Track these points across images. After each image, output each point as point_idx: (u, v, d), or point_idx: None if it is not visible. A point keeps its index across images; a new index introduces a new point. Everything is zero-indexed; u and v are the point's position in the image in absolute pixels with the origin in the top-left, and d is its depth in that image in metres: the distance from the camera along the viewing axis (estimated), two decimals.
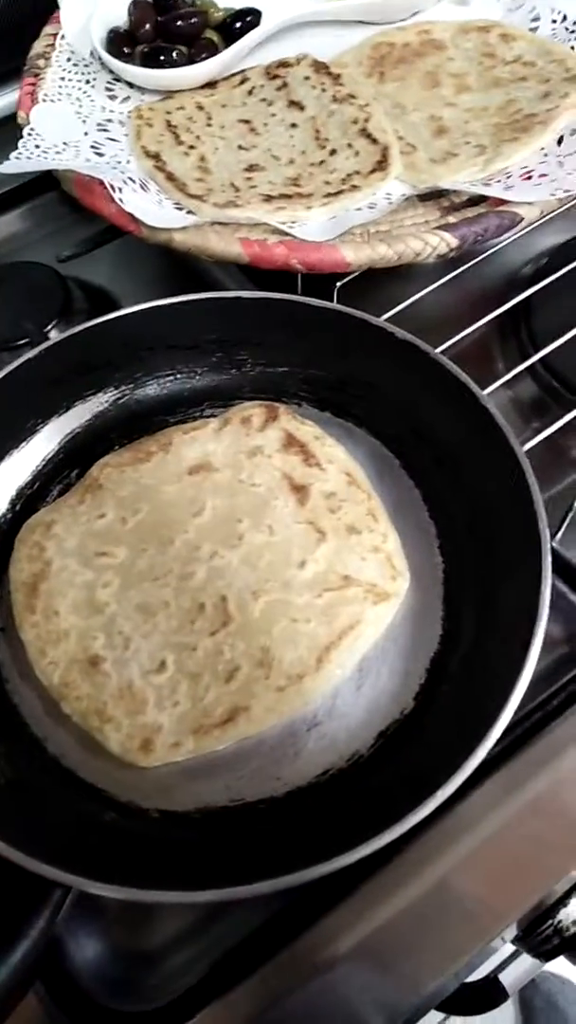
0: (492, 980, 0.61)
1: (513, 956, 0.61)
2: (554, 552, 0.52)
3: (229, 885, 0.36)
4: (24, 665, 0.47)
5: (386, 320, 0.56)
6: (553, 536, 0.53)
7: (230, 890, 0.36)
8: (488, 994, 0.61)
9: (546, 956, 0.54)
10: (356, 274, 0.62)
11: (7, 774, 0.42)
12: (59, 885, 0.36)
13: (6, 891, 0.36)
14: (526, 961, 0.60)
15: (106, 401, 0.58)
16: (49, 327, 0.66)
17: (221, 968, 0.44)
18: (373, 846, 0.36)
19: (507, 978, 0.61)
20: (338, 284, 0.64)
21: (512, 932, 0.54)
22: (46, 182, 0.78)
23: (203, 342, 0.58)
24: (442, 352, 0.53)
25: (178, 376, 0.59)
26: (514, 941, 0.54)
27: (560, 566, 0.52)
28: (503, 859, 0.47)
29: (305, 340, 0.57)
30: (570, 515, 0.54)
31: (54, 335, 0.65)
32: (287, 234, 0.59)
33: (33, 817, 0.40)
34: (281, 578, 0.48)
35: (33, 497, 0.54)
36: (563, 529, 0.53)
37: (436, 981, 0.44)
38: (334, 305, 0.55)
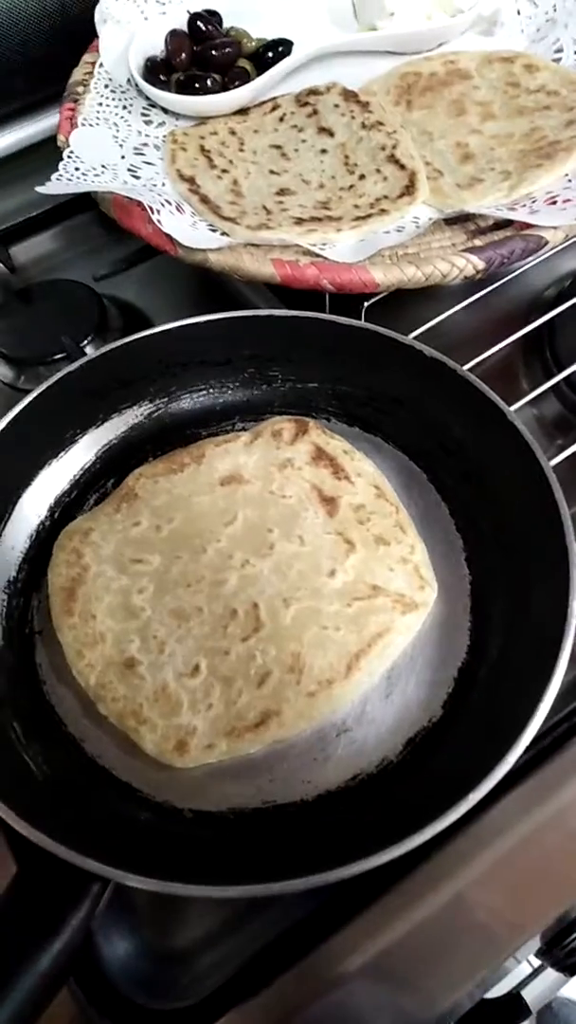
0: (515, 996, 0.61)
1: (536, 972, 0.61)
2: None
3: (258, 882, 0.37)
4: (62, 667, 0.48)
5: (413, 339, 0.58)
6: None
7: (261, 886, 0.36)
8: (510, 1011, 0.61)
9: (571, 971, 0.54)
10: (383, 295, 0.64)
11: (46, 772, 0.43)
12: (98, 878, 0.37)
13: (47, 884, 0.37)
14: (549, 976, 0.60)
15: (141, 414, 0.60)
16: (85, 342, 0.68)
17: (247, 971, 0.45)
18: (401, 850, 0.37)
19: (530, 994, 0.61)
20: (365, 304, 0.66)
21: (535, 946, 0.55)
22: (81, 203, 0.81)
23: (236, 358, 0.60)
24: (468, 371, 0.55)
25: (211, 391, 0.61)
26: (537, 955, 0.55)
27: None
28: (525, 872, 0.47)
29: (335, 357, 0.58)
30: None
31: (90, 350, 0.67)
32: (318, 255, 0.61)
33: (72, 813, 0.42)
34: (311, 586, 0.50)
35: (71, 505, 0.56)
36: None
37: (456, 994, 0.45)
38: (364, 324, 0.57)
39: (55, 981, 0.35)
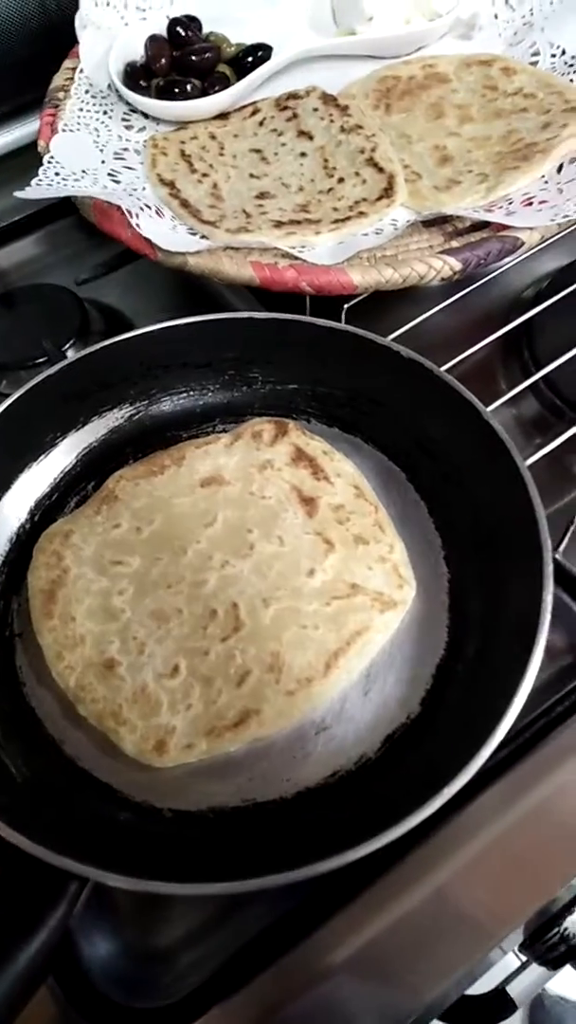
0: (500, 992, 0.61)
1: (521, 967, 0.61)
2: (557, 563, 0.53)
3: (238, 879, 0.37)
4: (41, 669, 0.48)
5: (392, 340, 0.58)
6: (556, 548, 0.54)
7: (240, 883, 0.37)
8: (496, 1006, 0.61)
9: (553, 964, 0.55)
10: (363, 296, 0.64)
11: (25, 773, 0.44)
12: (76, 878, 0.37)
13: (25, 884, 0.37)
14: (534, 972, 0.60)
15: (122, 416, 0.60)
16: (67, 346, 0.68)
17: (229, 968, 0.45)
18: (379, 843, 0.37)
19: (515, 990, 0.61)
20: (346, 306, 0.66)
21: (518, 939, 0.55)
22: (63, 208, 0.81)
23: (216, 360, 0.60)
24: (446, 371, 0.55)
25: (191, 393, 0.61)
26: (520, 949, 0.55)
27: (563, 577, 0.54)
28: (506, 866, 0.48)
29: (314, 359, 0.59)
30: (572, 528, 0.55)
31: (71, 354, 0.67)
32: (297, 258, 0.62)
33: (51, 814, 0.42)
34: (290, 586, 0.50)
35: (51, 508, 0.56)
36: (566, 541, 0.55)
37: (439, 988, 0.45)
38: (343, 325, 0.57)
39: (32, 981, 0.36)
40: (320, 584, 0.50)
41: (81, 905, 0.38)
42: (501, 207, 0.64)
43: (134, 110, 0.78)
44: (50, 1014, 0.42)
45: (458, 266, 0.59)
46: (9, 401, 0.54)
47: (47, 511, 0.56)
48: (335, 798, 0.44)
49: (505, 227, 0.61)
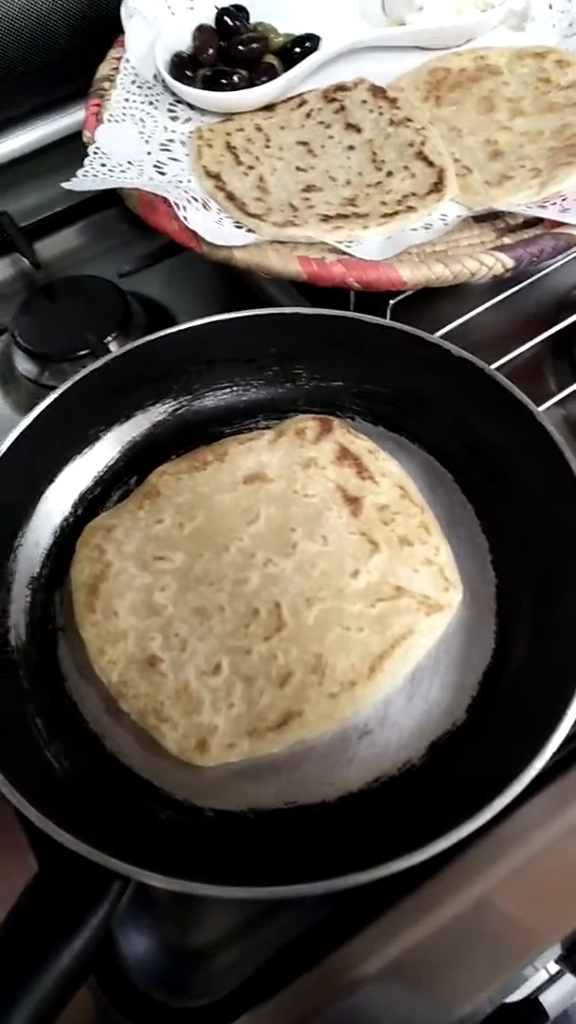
0: (533, 1001, 0.61)
1: (555, 977, 0.60)
2: None
3: (280, 884, 0.36)
4: (83, 663, 0.48)
5: (439, 338, 0.57)
6: None
7: (280, 888, 0.36)
8: (528, 1016, 0.61)
9: None
10: (409, 293, 0.63)
11: (68, 769, 0.44)
12: (118, 877, 0.37)
13: (68, 882, 0.37)
14: (569, 982, 0.59)
15: (165, 411, 0.60)
16: (109, 339, 0.68)
17: (266, 971, 0.45)
18: (422, 856, 0.37)
19: (548, 1000, 0.60)
20: (391, 302, 0.65)
21: (556, 952, 0.54)
22: (106, 199, 0.81)
23: (260, 356, 0.60)
24: (495, 370, 0.54)
25: (235, 388, 0.61)
26: (558, 961, 0.54)
27: None
28: (546, 879, 0.47)
29: (360, 355, 0.58)
30: None
31: (114, 347, 0.67)
32: (344, 253, 0.61)
33: (93, 810, 0.42)
34: (334, 587, 0.49)
35: (94, 502, 0.56)
36: None
37: (474, 1001, 0.44)
38: (390, 322, 0.57)
39: (75, 979, 0.35)
40: (364, 585, 0.49)
41: (124, 903, 0.38)
42: (555, 203, 0.62)
43: (180, 101, 0.77)
44: (90, 1010, 0.42)
45: (510, 263, 0.58)
46: (56, 395, 0.54)
47: (90, 505, 0.56)
48: (379, 804, 0.43)
49: (559, 224, 0.59)
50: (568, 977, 0.57)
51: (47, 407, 0.53)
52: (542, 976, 0.60)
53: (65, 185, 0.66)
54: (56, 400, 0.54)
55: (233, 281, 0.76)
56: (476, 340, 0.63)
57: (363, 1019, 0.44)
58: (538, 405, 0.55)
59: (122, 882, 0.37)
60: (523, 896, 0.46)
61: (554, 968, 0.57)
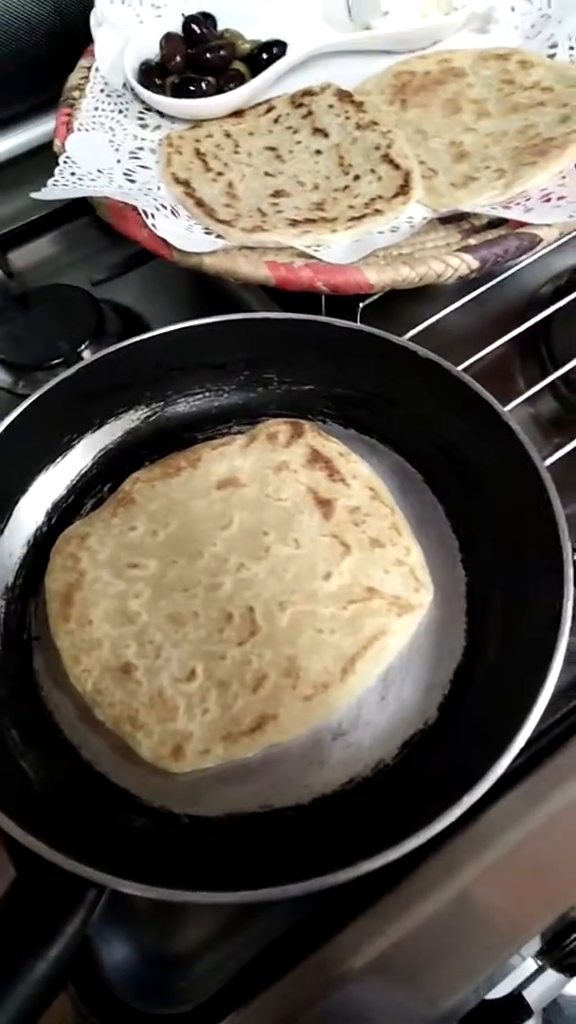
0: (516, 997, 0.61)
1: (538, 972, 0.61)
2: None
3: (255, 888, 0.37)
4: (58, 672, 0.48)
5: (408, 340, 0.57)
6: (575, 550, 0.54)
7: (257, 892, 0.37)
8: (512, 1011, 0.61)
9: (571, 971, 0.54)
10: (379, 295, 0.64)
11: (43, 778, 0.44)
12: (94, 885, 0.37)
13: (44, 890, 0.37)
14: (551, 977, 0.60)
15: (137, 418, 0.60)
16: (83, 347, 0.68)
17: (246, 974, 0.45)
18: (398, 852, 0.37)
19: (531, 995, 0.61)
20: (361, 305, 0.66)
21: (536, 946, 0.55)
22: (79, 208, 0.81)
23: (231, 361, 0.60)
24: (463, 370, 0.55)
25: (207, 394, 0.61)
26: (538, 955, 0.55)
27: None
28: (524, 872, 0.47)
29: (330, 359, 0.58)
30: None
31: (87, 355, 0.67)
32: (312, 257, 0.61)
33: (68, 819, 0.42)
34: (307, 589, 0.50)
35: (68, 510, 0.56)
36: None
37: (457, 996, 0.45)
38: (358, 325, 0.57)
39: (51, 987, 0.36)
40: (336, 587, 0.50)
41: (100, 912, 0.38)
42: (519, 203, 0.63)
43: (149, 109, 0.77)
44: (68, 1018, 0.42)
45: (476, 264, 0.58)
46: (26, 403, 0.54)
47: (64, 513, 0.56)
48: (353, 805, 0.43)
49: (523, 224, 0.60)
50: (550, 972, 0.57)
51: (18, 416, 0.53)
52: (525, 972, 0.60)
53: (34, 195, 0.66)
54: (27, 409, 0.54)
55: (207, 287, 0.76)
56: (446, 340, 0.64)
57: (348, 1017, 0.44)
58: (506, 404, 0.55)
59: (97, 890, 0.37)
60: (501, 891, 0.47)
61: (537, 963, 0.57)
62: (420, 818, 0.38)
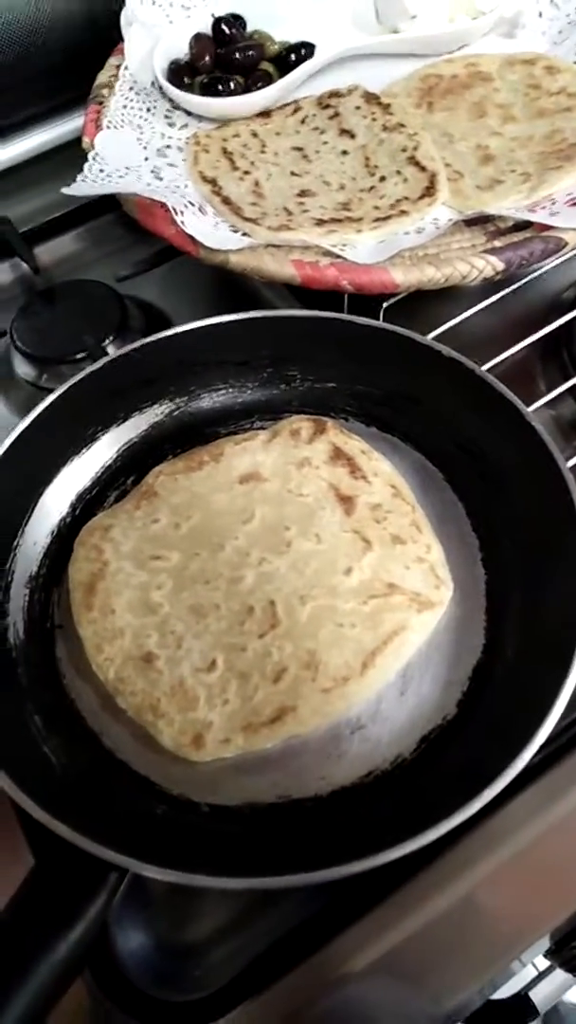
0: (522, 997, 0.61)
1: (544, 973, 0.61)
2: None
3: (273, 875, 0.37)
4: (81, 661, 0.49)
5: (431, 339, 0.58)
6: None
7: (273, 879, 0.37)
8: (518, 1012, 0.61)
9: None
10: (402, 295, 0.64)
11: (65, 765, 0.44)
12: (115, 868, 0.38)
13: (65, 875, 0.38)
14: (558, 977, 0.60)
15: (162, 413, 0.60)
16: (107, 342, 0.69)
17: (258, 966, 0.45)
18: (413, 846, 0.37)
19: (538, 995, 0.61)
20: (384, 305, 0.66)
21: (544, 946, 0.55)
22: (104, 204, 0.82)
23: (255, 358, 0.61)
24: (485, 372, 0.55)
25: (230, 390, 0.62)
26: (546, 955, 0.55)
27: None
28: (535, 873, 0.47)
29: (353, 357, 0.59)
30: None
31: (111, 350, 0.68)
32: (338, 256, 0.62)
33: (90, 805, 0.42)
34: (328, 584, 0.50)
35: (92, 502, 0.57)
36: None
37: (464, 994, 0.45)
38: (383, 324, 0.57)
39: (71, 970, 0.36)
40: (357, 583, 0.50)
41: (120, 896, 0.38)
42: (544, 207, 0.63)
43: (177, 107, 0.78)
44: (84, 1003, 0.43)
45: (501, 266, 0.59)
46: (53, 396, 0.54)
47: (88, 505, 0.56)
48: (370, 798, 0.44)
49: (548, 227, 0.60)
50: (557, 972, 0.58)
51: (45, 409, 0.54)
52: (531, 972, 0.60)
53: (64, 190, 0.67)
54: (54, 402, 0.54)
55: (229, 285, 0.77)
56: (468, 342, 0.64)
57: (356, 1011, 0.44)
58: (528, 406, 0.56)
59: (119, 874, 0.38)
60: (512, 890, 0.47)
61: (543, 964, 0.57)
62: (438, 812, 0.38)
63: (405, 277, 0.58)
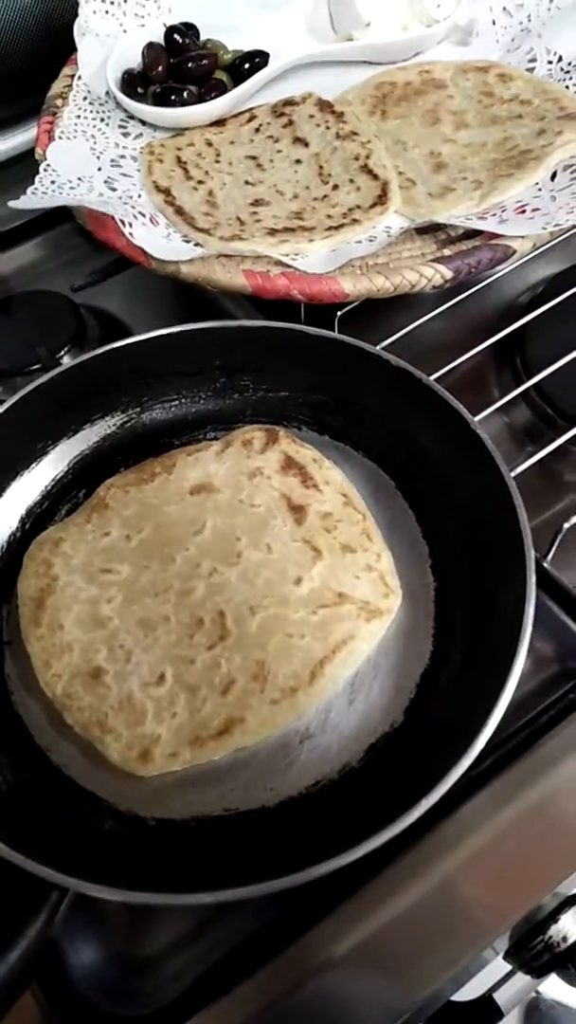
0: (487, 999, 0.62)
1: (508, 975, 0.61)
2: (544, 572, 0.53)
3: (218, 889, 0.37)
4: (29, 677, 0.49)
5: (385, 347, 0.58)
6: (544, 557, 0.54)
7: (221, 892, 0.37)
8: (483, 1013, 0.62)
9: (538, 972, 0.55)
10: (357, 303, 0.64)
11: (11, 782, 0.44)
12: (56, 887, 0.38)
13: (5, 893, 0.38)
14: (521, 980, 0.60)
15: (114, 424, 0.60)
16: (62, 353, 0.69)
17: (214, 974, 0.45)
18: (359, 853, 0.37)
19: (502, 997, 0.61)
20: (339, 313, 0.67)
21: (504, 946, 0.55)
22: (61, 214, 0.81)
23: (207, 368, 0.61)
24: (439, 378, 0.56)
25: (183, 400, 0.62)
26: (506, 956, 0.55)
27: (550, 586, 0.54)
28: (494, 870, 0.48)
29: (305, 367, 0.59)
30: (560, 536, 0.55)
31: (67, 361, 0.68)
32: (289, 266, 0.62)
33: (35, 823, 0.42)
34: (278, 594, 0.50)
35: (42, 516, 0.56)
36: (553, 550, 0.55)
37: (427, 991, 0.45)
38: (332, 334, 0.58)
39: (11, 990, 0.36)
40: (307, 592, 0.50)
41: (62, 914, 0.38)
42: (494, 214, 0.64)
43: (131, 117, 0.78)
44: (33, 1020, 0.43)
45: (449, 275, 0.59)
46: (1, 409, 0.54)
47: (38, 519, 0.56)
48: (317, 808, 0.44)
49: (497, 235, 0.61)
50: (519, 975, 0.58)
51: None
52: (497, 973, 0.61)
53: (12, 204, 0.67)
54: (2, 415, 0.54)
55: (189, 294, 0.77)
56: (424, 348, 0.65)
57: (314, 1018, 0.44)
58: (480, 412, 0.56)
59: (59, 892, 0.38)
60: (471, 887, 0.47)
61: (505, 967, 0.58)
62: (380, 821, 0.38)
63: (355, 286, 0.59)
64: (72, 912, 0.39)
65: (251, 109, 0.79)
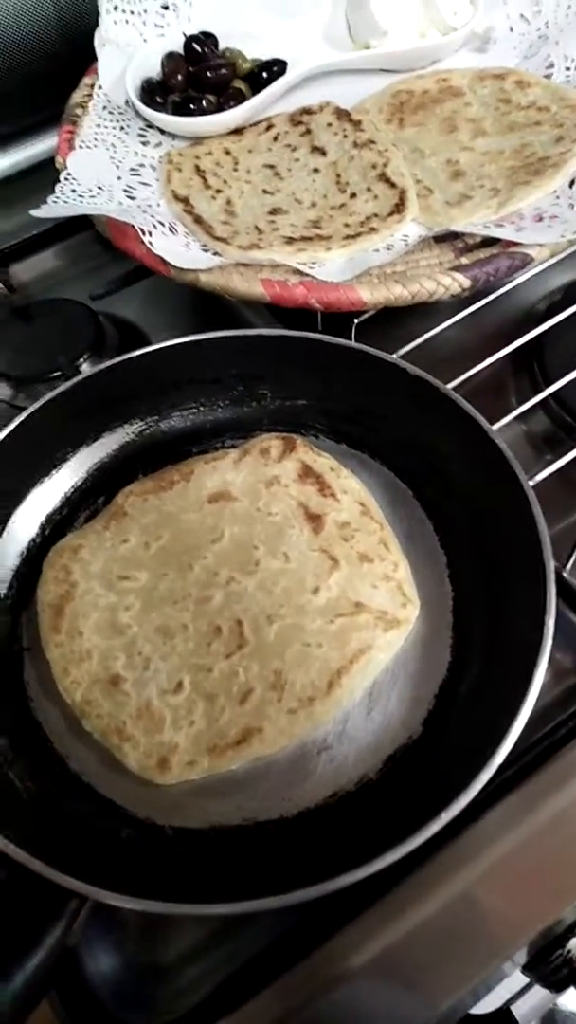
0: (504, 1012, 0.61)
1: (526, 988, 0.61)
2: (564, 582, 0.53)
3: (236, 900, 0.37)
4: (48, 684, 0.49)
5: (402, 356, 0.58)
6: (564, 566, 0.54)
7: (239, 904, 0.37)
8: None
9: (556, 987, 0.54)
10: (374, 312, 0.64)
11: (31, 789, 0.44)
12: (75, 895, 0.38)
13: (25, 901, 0.38)
14: (538, 993, 0.60)
15: (132, 432, 0.61)
16: (81, 361, 0.69)
17: (232, 984, 0.45)
18: (377, 866, 0.37)
19: (519, 1010, 0.61)
20: (356, 321, 0.67)
21: (523, 959, 0.55)
22: (81, 222, 0.81)
23: (225, 377, 0.61)
24: (457, 386, 0.55)
25: (201, 409, 0.62)
26: (524, 970, 0.54)
27: (570, 596, 0.53)
28: (513, 882, 0.47)
29: (322, 375, 0.59)
30: None
31: (86, 369, 0.68)
32: (307, 275, 0.62)
33: (53, 830, 0.42)
34: (295, 603, 0.50)
35: (61, 523, 0.57)
36: (572, 559, 0.54)
37: (446, 1003, 0.45)
38: (350, 343, 0.58)
39: (30, 999, 0.36)
40: (324, 602, 0.50)
41: (81, 922, 0.38)
42: (512, 223, 0.64)
43: (151, 126, 0.79)
44: None
45: (467, 283, 0.59)
46: (22, 417, 0.54)
47: (57, 525, 0.57)
48: (335, 819, 0.44)
49: (515, 243, 0.61)
50: (536, 988, 0.57)
51: (14, 429, 0.54)
52: (514, 985, 0.60)
53: (34, 213, 0.67)
54: (23, 423, 0.54)
55: (207, 302, 0.77)
56: (441, 356, 0.64)
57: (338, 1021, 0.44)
58: (498, 420, 0.56)
59: (78, 900, 0.38)
60: (490, 900, 0.47)
61: (523, 979, 0.57)
62: (401, 833, 0.38)
63: (372, 295, 0.59)
64: (90, 920, 0.40)
65: (269, 118, 0.79)
